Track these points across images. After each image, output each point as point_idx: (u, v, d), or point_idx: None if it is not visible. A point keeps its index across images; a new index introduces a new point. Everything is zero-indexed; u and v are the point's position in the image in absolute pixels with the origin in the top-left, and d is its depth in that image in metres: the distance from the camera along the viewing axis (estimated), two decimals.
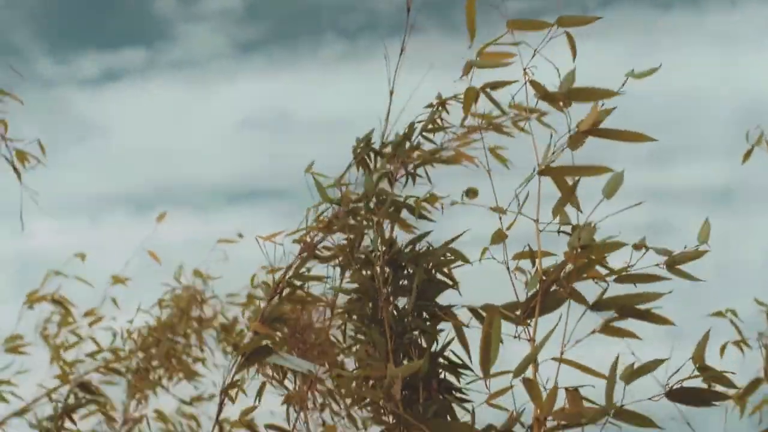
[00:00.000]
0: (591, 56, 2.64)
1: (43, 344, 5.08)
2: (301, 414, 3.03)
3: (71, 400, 4.82)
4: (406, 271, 2.89)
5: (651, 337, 2.54)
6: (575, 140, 2.44)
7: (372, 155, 3.01)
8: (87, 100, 6.41)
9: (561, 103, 2.46)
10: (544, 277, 2.44)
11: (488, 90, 2.59)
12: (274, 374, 3.07)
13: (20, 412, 4.90)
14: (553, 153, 2.47)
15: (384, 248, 2.90)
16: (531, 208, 2.54)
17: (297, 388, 3.06)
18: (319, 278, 3.04)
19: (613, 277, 2.44)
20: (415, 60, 3.27)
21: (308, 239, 3.02)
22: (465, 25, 2.67)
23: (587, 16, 2.52)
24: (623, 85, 2.45)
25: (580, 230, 2.42)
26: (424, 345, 2.82)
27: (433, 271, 2.86)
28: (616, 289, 2.44)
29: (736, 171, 3.42)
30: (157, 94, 6.26)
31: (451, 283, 2.87)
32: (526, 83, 2.52)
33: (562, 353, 2.35)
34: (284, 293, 3.04)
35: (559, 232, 2.51)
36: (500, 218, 2.62)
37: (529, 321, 2.45)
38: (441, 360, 2.80)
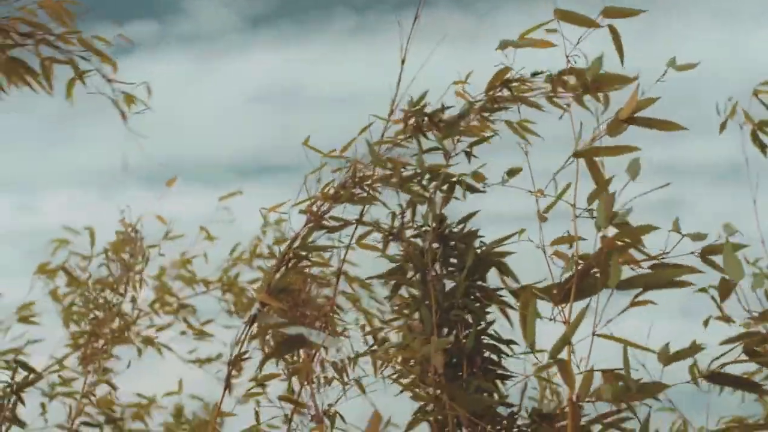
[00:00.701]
0: (595, 34, 2.63)
1: (55, 310, 5.06)
2: (306, 387, 3.00)
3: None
4: (455, 250, 2.89)
5: (662, 314, 2.52)
6: (614, 127, 2.50)
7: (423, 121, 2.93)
8: (98, 74, 6.33)
9: (600, 95, 2.58)
10: (580, 262, 2.43)
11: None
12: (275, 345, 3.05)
13: (33, 381, 4.93)
14: (592, 139, 2.51)
15: (434, 224, 2.88)
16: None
17: (301, 360, 3.04)
18: (325, 248, 3.01)
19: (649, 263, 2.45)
20: (425, 32, 3.22)
21: (314, 209, 2.98)
22: None
23: (632, 9, 2.58)
24: (663, 74, 2.51)
25: (605, 210, 2.40)
26: (471, 322, 2.82)
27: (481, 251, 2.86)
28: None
29: (746, 147, 3.35)
30: (168, 69, 6.20)
31: (498, 263, 2.87)
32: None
33: (593, 333, 2.33)
34: (291, 264, 3.00)
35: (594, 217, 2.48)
36: (536, 199, 2.64)
37: (564, 304, 2.44)
38: (486, 338, 2.81)
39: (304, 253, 2.99)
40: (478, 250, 2.88)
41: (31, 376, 4.53)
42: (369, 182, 2.95)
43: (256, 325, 3.01)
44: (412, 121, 2.96)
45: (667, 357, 2.30)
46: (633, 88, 2.53)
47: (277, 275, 2.99)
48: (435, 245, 2.89)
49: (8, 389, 4.34)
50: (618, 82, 2.57)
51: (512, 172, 2.82)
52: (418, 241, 2.93)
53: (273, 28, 6.23)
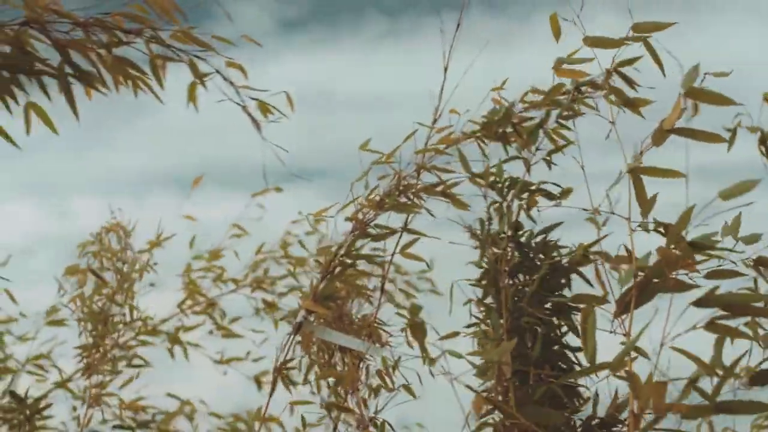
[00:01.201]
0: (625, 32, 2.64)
1: (79, 312, 5.07)
2: (352, 394, 3.02)
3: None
4: (531, 258, 2.92)
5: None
6: (658, 137, 2.53)
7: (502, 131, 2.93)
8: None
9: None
10: (639, 273, 2.45)
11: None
12: (322, 353, 3.07)
13: (61, 384, 4.95)
14: (641, 153, 2.54)
15: (510, 232, 2.91)
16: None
17: (345, 368, 3.05)
18: (370, 257, 3.02)
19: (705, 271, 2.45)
20: (458, 37, 3.22)
21: (360, 216, 3.00)
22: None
23: (662, 23, 2.61)
24: (702, 81, 2.52)
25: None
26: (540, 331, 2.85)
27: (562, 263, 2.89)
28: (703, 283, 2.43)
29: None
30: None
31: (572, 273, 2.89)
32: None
33: (662, 345, 2.34)
34: (336, 272, 3.02)
35: (649, 230, 2.56)
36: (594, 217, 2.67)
37: (623, 316, 2.45)
38: (557, 347, 2.83)
39: (349, 262, 3.01)
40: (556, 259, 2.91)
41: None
42: (414, 190, 2.97)
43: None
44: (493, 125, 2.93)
45: (756, 377, 2.30)
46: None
47: (323, 283, 3.01)
48: (512, 253, 2.92)
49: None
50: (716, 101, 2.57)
51: (566, 193, 2.85)
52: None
53: (305, 32, 6.25)
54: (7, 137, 2.70)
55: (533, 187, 2.97)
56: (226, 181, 5.08)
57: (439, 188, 2.94)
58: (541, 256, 2.90)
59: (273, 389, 3.07)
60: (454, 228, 2.99)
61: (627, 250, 2.53)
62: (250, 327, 5.24)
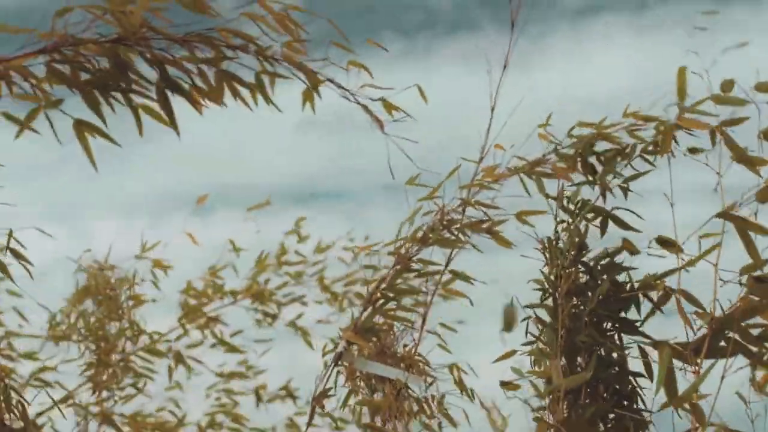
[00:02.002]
0: (649, 51, 2.67)
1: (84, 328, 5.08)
2: (390, 424, 3.06)
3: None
4: (595, 279, 2.96)
5: None
6: (763, 195, 2.60)
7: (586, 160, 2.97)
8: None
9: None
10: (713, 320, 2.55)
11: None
12: (362, 382, 3.11)
13: (64, 399, 4.94)
14: (740, 204, 2.62)
15: (574, 251, 2.95)
16: None
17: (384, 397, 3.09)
18: (413, 292, 3.07)
19: None
20: (473, 57, 3.25)
21: (403, 251, 3.04)
22: (520, 20, 2.83)
23: None
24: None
25: None
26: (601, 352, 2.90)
27: (628, 287, 2.93)
28: None
29: None
30: None
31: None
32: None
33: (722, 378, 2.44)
34: (377, 305, 3.06)
35: (741, 283, 2.63)
36: (678, 257, 2.75)
37: (697, 360, 2.55)
38: (615, 369, 2.88)
39: (391, 295, 3.05)
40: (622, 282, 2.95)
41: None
42: (458, 226, 3.01)
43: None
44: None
45: None
46: None
47: (364, 315, 3.06)
48: (575, 272, 2.96)
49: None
50: None
51: (662, 241, 2.86)
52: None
53: (321, 52, 6.25)
54: (110, 139, 2.61)
55: (606, 213, 3.00)
56: (238, 203, 5.09)
57: (485, 225, 2.99)
58: (605, 276, 2.94)
59: (311, 420, 3.11)
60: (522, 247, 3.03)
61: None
62: (251, 339, 5.29)
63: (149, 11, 2.58)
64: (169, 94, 2.61)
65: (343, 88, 2.81)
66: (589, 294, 2.91)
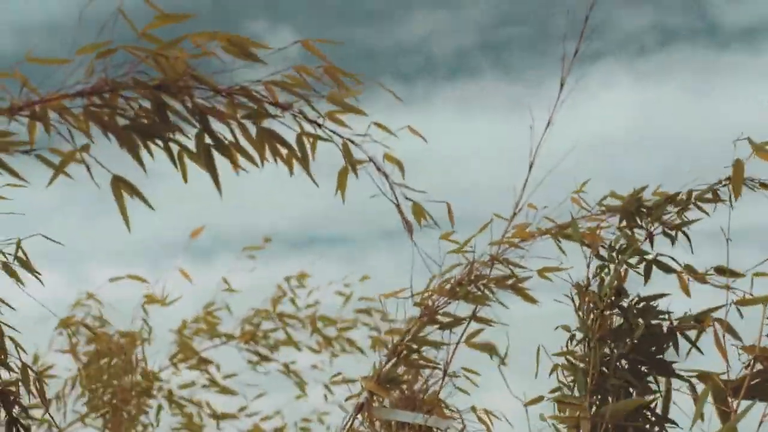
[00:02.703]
0: (652, 93, 2.71)
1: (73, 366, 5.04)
2: None
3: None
4: (630, 322, 2.96)
5: None
6: None
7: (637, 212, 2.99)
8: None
9: None
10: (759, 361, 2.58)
11: None
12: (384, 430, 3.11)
13: None
14: None
15: (612, 294, 2.95)
16: None
17: None
18: (438, 344, 3.08)
19: None
20: (471, 103, 3.27)
21: (430, 303, 3.05)
22: (519, 66, 2.84)
23: None
24: None
25: None
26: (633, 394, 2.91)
27: (665, 330, 2.94)
28: None
29: None
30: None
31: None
32: None
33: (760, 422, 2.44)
34: (401, 355, 3.07)
35: None
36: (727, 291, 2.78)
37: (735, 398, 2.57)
38: (646, 412, 2.88)
39: (415, 347, 3.06)
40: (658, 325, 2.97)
41: None
42: (485, 282, 3.03)
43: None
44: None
45: None
46: None
47: (388, 365, 3.06)
48: (611, 315, 2.97)
49: None
50: None
51: (720, 270, 2.88)
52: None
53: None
54: (144, 200, 2.53)
55: (649, 257, 3.02)
56: (238, 248, 5.09)
57: (510, 281, 3.01)
58: (640, 320, 2.95)
59: None
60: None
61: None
62: (245, 382, 5.27)
63: (194, 57, 2.52)
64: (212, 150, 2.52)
65: (382, 172, 2.72)
66: (624, 338, 2.93)
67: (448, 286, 3.05)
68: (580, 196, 3.04)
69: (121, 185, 2.51)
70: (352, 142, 2.65)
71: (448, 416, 3.09)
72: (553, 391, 3.00)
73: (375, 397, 3.07)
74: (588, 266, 3.02)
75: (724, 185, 2.95)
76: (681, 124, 2.73)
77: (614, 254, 3.01)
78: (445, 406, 3.10)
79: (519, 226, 3.04)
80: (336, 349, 5.37)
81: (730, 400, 2.61)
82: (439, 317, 3.07)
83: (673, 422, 2.92)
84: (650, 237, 3.02)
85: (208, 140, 2.51)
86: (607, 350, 2.95)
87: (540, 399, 2.98)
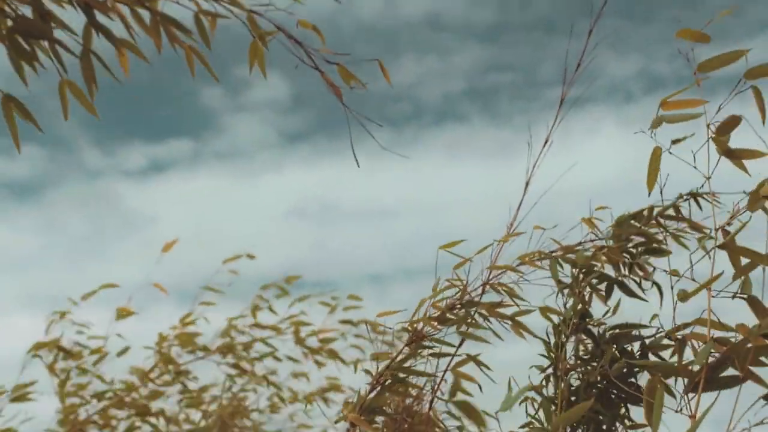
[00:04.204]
0: (639, 138, 2.62)
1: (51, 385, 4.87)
2: None
3: None
4: (600, 348, 2.81)
5: None
6: (753, 203, 2.45)
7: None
8: (133, 192, 6.44)
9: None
10: (712, 352, 2.36)
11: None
12: None
13: None
14: (732, 217, 2.49)
15: (575, 319, 2.80)
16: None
17: None
18: (424, 374, 2.89)
19: None
20: (458, 147, 3.18)
21: (418, 328, 2.86)
22: (505, 112, 2.75)
23: None
24: None
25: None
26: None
27: (637, 353, 2.78)
28: None
29: None
30: (204, 185, 6.31)
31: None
32: (708, 140, 2.48)
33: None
34: (386, 384, 2.88)
35: (734, 297, 2.48)
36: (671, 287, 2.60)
37: (693, 395, 2.37)
38: None
39: (402, 376, 2.87)
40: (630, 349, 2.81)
41: None
42: (476, 309, 2.85)
43: None
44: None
45: None
46: None
47: (371, 395, 2.87)
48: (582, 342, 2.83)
49: None
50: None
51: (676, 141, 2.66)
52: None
53: (308, 143, 6.31)
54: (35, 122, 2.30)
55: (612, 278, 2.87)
56: (224, 292, 5.00)
57: (509, 312, 2.83)
58: (613, 346, 2.80)
59: None
60: None
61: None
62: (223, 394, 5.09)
63: None
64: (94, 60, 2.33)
65: (294, 40, 2.49)
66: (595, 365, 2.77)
67: (437, 314, 2.86)
68: (594, 218, 2.87)
69: (12, 105, 2.35)
70: (256, 13, 2.46)
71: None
72: (523, 426, 2.85)
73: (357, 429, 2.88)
74: (557, 295, 2.87)
75: (686, 200, 2.80)
76: (667, 168, 2.61)
77: (578, 273, 2.86)
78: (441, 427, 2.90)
79: (523, 256, 2.85)
80: (321, 358, 5.20)
81: (688, 397, 2.40)
82: (427, 343, 2.88)
83: None
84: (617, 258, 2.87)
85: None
86: (579, 381, 2.78)
87: None
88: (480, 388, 2.92)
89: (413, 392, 2.89)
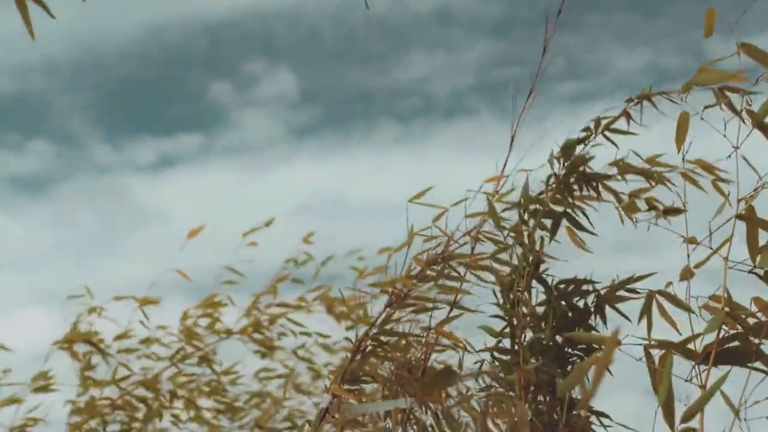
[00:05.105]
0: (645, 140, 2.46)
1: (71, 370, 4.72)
2: None
3: None
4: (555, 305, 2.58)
5: None
6: None
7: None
8: (143, 187, 6.35)
9: None
10: (725, 326, 2.15)
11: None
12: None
13: None
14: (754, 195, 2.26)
15: (529, 268, 2.57)
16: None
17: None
18: (405, 335, 2.65)
19: None
20: (468, 142, 2.97)
21: (396, 289, 2.62)
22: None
23: None
24: None
25: None
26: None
27: (591, 306, 2.56)
28: None
29: None
30: (213, 180, 6.22)
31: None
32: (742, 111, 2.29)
33: (737, 411, 2.03)
34: (368, 350, 2.65)
35: (750, 272, 2.26)
36: (688, 254, 2.36)
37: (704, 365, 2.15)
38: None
39: (384, 339, 2.63)
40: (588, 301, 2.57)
41: None
42: (458, 261, 2.60)
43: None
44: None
45: None
46: None
47: (353, 363, 2.64)
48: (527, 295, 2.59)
49: None
50: None
51: (673, 211, 2.48)
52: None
53: (317, 138, 6.22)
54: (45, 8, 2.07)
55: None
56: (234, 287, 4.85)
57: (484, 261, 2.57)
58: (563, 303, 2.56)
59: None
60: None
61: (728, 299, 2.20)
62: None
63: None
64: None
65: None
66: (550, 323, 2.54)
67: (417, 269, 2.61)
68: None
69: None
70: None
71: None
72: (482, 389, 2.63)
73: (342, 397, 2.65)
74: (510, 256, 2.62)
75: (636, 104, 2.54)
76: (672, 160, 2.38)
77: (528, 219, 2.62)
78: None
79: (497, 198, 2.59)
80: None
81: (698, 368, 2.16)
82: (410, 301, 2.63)
83: (605, 414, 2.53)
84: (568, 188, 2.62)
85: None
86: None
87: (470, 397, 2.62)
88: (465, 347, 2.68)
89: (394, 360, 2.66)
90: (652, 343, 2.21)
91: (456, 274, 2.59)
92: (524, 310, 2.52)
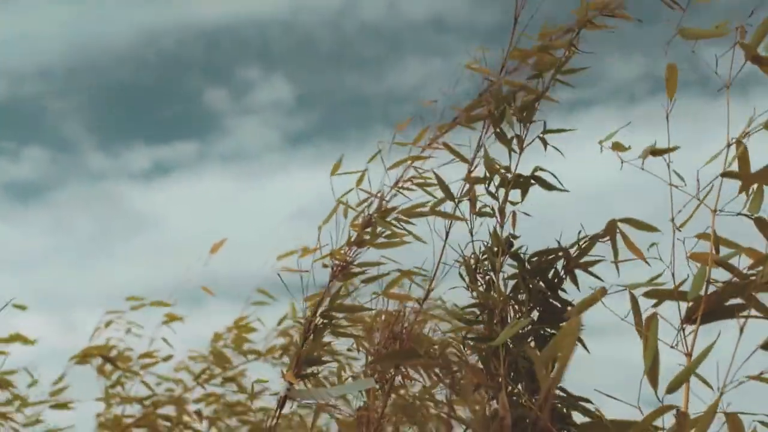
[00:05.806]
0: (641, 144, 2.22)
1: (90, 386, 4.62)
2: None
3: None
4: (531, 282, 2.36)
5: None
6: None
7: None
8: (138, 194, 6.37)
9: None
10: (714, 279, 1.97)
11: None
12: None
13: None
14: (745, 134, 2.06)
15: (502, 248, 2.36)
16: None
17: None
18: (355, 308, 2.43)
19: None
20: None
21: (338, 259, 2.41)
22: None
23: None
24: None
25: None
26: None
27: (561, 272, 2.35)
28: None
29: None
30: (208, 187, 6.22)
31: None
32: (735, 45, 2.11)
33: (724, 384, 1.84)
34: (317, 330, 2.44)
35: (739, 213, 2.07)
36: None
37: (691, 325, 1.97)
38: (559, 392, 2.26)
39: (336, 315, 2.42)
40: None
41: None
42: (396, 215, 2.39)
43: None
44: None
45: None
46: None
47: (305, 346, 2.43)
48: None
49: None
50: None
51: (655, 151, 2.21)
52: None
53: (312, 146, 6.18)
54: None
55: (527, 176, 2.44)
56: (230, 294, 4.78)
57: (425, 209, 2.37)
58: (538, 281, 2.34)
59: None
60: None
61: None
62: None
63: None
64: None
65: None
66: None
67: (355, 234, 2.40)
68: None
69: None
70: None
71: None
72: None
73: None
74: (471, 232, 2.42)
75: (577, 33, 2.38)
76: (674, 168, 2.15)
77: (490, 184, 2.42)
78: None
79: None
80: None
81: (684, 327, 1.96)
82: (356, 269, 2.41)
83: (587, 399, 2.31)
84: (521, 144, 2.43)
85: None
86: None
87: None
88: (419, 302, 2.47)
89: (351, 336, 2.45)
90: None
91: (395, 230, 2.38)
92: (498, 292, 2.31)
